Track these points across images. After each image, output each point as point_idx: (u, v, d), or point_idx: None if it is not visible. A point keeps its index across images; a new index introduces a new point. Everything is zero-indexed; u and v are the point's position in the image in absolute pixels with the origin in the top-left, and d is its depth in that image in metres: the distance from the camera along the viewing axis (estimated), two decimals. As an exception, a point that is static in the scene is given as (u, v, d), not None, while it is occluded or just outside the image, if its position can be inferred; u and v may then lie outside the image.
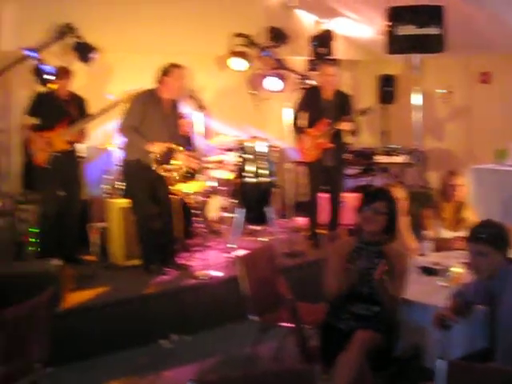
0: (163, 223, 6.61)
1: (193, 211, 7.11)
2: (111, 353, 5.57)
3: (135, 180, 6.53)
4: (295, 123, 7.42)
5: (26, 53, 7.30)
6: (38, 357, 4.06)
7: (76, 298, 5.88)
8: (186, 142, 6.92)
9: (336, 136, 7.29)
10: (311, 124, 7.34)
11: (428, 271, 4.90)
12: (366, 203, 4.38)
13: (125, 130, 6.41)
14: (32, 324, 3.94)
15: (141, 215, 6.56)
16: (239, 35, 8.83)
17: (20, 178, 7.58)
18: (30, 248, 6.96)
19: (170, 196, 6.72)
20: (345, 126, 7.19)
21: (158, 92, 6.44)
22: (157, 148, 6.28)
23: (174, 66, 6.42)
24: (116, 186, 7.40)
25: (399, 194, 5.42)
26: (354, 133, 7.39)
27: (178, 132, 6.69)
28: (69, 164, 6.95)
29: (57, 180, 6.89)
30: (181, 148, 6.44)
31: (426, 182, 9.22)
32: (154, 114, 6.39)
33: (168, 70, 6.39)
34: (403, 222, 5.41)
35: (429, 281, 4.75)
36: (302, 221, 8.23)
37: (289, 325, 4.58)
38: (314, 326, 4.40)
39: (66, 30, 7.61)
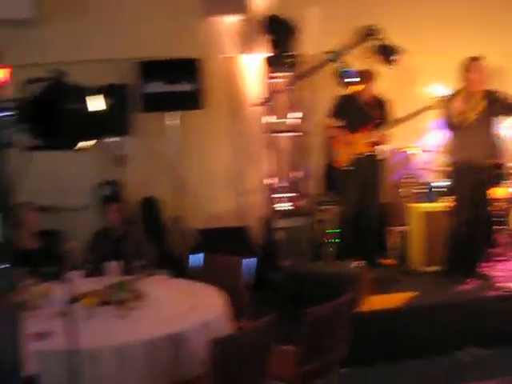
0: (476, 229, 6.32)
1: (495, 219, 6.77)
2: (401, 361, 5.45)
3: (462, 182, 6.29)
4: None
5: (329, 56, 7.47)
6: (338, 357, 4.10)
7: (374, 301, 5.86)
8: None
9: None
10: None
11: None
12: None
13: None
14: (334, 324, 3.98)
15: (459, 219, 6.33)
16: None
17: (321, 179, 7.76)
18: (329, 249, 7.12)
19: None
20: None
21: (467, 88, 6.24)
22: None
23: (472, 59, 6.22)
24: (416, 190, 7.28)
25: None
26: None
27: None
28: (370, 167, 6.97)
29: (357, 182, 6.94)
30: None
31: None
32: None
33: (467, 65, 6.23)
34: None
35: None
36: None
37: None
38: None
39: (370, 33, 7.65)
